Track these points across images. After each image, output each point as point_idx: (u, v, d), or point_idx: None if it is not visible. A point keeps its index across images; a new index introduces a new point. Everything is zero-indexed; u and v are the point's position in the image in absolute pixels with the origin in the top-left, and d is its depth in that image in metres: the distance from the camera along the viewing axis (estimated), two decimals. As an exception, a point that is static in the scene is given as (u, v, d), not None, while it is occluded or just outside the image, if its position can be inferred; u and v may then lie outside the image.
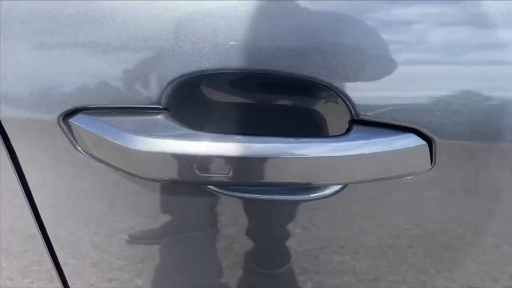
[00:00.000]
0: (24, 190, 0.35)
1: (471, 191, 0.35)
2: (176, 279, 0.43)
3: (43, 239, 0.38)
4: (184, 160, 0.30)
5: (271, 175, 0.31)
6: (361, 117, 0.30)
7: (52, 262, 0.45)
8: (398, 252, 0.38)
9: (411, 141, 0.31)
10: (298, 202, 0.35)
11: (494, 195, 0.36)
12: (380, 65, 0.29)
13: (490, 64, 0.30)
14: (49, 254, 0.40)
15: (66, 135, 0.32)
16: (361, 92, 0.30)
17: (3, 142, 0.33)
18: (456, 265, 0.40)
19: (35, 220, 0.38)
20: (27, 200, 0.36)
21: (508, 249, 0.40)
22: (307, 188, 0.34)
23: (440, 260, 0.40)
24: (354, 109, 0.30)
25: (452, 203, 0.36)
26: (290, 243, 0.38)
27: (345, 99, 0.30)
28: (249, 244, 0.39)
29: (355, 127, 0.31)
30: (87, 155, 0.32)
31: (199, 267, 0.42)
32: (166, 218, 0.38)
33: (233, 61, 0.29)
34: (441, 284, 0.41)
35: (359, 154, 0.31)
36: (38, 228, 0.39)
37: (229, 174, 0.30)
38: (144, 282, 0.43)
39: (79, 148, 0.32)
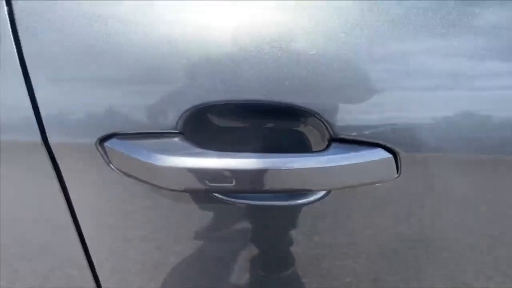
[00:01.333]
0: (67, 202, 0.43)
1: (434, 196, 0.42)
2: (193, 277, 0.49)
3: (80, 241, 0.46)
4: (197, 173, 0.37)
5: (267, 184, 0.38)
6: (339, 136, 0.38)
7: (88, 266, 0.52)
8: (370, 244, 0.45)
9: (379, 154, 0.38)
10: (289, 207, 0.42)
11: (453, 200, 0.42)
12: (354, 93, 0.37)
13: (443, 89, 0.37)
14: (85, 256, 0.48)
15: (102, 156, 0.39)
16: (338, 116, 0.37)
17: (51, 162, 0.41)
18: (417, 258, 0.47)
19: (75, 228, 0.45)
20: (68, 211, 0.44)
21: (463, 248, 0.46)
22: (296, 194, 0.41)
23: (405, 255, 0.46)
24: (333, 130, 0.37)
25: (417, 206, 0.43)
26: (285, 244, 0.45)
27: (325, 123, 0.37)
28: (248, 245, 0.46)
29: (333, 144, 0.38)
30: (120, 172, 0.40)
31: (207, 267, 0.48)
32: (184, 223, 0.45)
33: (236, 94, 0.36)
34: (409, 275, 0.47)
35: (337, 166, 0.38)
36: (77, 235, 0.46)
37: (232, 183, 0.37)
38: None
39: (112, 166, 0.40)
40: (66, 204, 0.43)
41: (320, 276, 0.49)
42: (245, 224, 0.44)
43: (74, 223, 0.45)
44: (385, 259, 0.47)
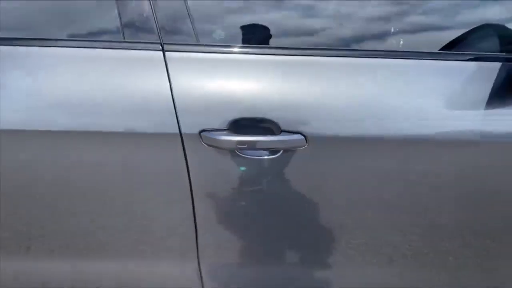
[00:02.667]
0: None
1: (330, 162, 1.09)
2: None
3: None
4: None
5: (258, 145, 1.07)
6: (284, 129, 1.06)
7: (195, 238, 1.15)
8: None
9: (299, 136, 1.06)
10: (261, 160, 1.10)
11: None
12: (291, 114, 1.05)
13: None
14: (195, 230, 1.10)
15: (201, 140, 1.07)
16: (285, 121, 1.06)
17: (183, 150, 1.07)
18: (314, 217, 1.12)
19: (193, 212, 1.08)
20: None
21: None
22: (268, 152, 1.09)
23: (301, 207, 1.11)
24: (280, 126, 1.06)
25: (318, 168, 1.10)
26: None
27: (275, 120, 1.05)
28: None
29: (282, 133, 1.07)
30: (208, 146, 1.07)
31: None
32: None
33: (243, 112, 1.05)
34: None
35: (286, 140, 1.06)
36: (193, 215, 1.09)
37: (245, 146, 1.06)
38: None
39: (204, 144, 1.08)
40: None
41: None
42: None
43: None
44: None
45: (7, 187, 1.07)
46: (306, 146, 1.04)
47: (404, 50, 1.13)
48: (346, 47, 1.12)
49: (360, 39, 1.18)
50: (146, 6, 1.06)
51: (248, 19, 1.13)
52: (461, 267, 1.22)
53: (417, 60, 1.10)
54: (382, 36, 1.19)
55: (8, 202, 1.10)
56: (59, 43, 1.05)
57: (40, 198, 1.10)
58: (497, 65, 1.05)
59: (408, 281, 1.24)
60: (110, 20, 1.06)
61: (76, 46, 1.05)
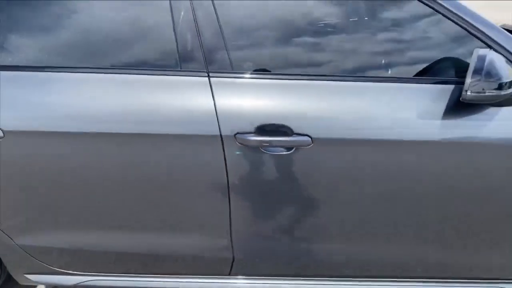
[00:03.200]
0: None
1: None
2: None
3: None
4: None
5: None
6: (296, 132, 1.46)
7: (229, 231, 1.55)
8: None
9: (307, 138, 1.46)
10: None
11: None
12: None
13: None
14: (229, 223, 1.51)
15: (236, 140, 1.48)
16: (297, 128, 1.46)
17: (223, 151, 1.47)
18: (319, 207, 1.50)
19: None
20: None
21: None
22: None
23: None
24: (293, 130, 1.45)
25: (320, 160, 1.49)
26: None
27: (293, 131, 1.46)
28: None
29: (294, 135, 1.46)
30: (241, 145, 1.47)
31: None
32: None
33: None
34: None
35: (298, 140, 1.46)
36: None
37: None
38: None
39: (237, 143, 1.48)
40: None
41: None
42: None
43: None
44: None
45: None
46: (312, 145, 1.44)
47: (388, 76, 1.54)
48: (345, 74, 1.53)
49: (355, 68, 1.59)
50: (196, 44, 1.49)
51: (267, 52, 1.56)
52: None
53: (398, 83, 1.51)
54: (372, 66, 1.61)
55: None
56: (134, 71, 1.50)
57: (116, 189, 1.51)
58: (451, 86, 1.45)
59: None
60: (171, 54, 1.50)
61: (147, 74, 1.49)
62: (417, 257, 1.62)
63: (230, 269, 1.66)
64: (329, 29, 1.61)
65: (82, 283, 1.72)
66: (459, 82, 1.41)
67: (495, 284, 1.67)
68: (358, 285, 1.68)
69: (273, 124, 1.44)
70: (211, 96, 1.45)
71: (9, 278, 1.83)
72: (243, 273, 1.68)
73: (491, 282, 1.68)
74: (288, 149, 1.45)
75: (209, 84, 1.47)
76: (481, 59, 1.32)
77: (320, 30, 1.61)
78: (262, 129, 1.44)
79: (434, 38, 1.57)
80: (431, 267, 1.64)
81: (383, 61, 1.61)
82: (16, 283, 1.80)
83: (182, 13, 1.49)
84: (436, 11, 1.46)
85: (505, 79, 1.32)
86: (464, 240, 1.59)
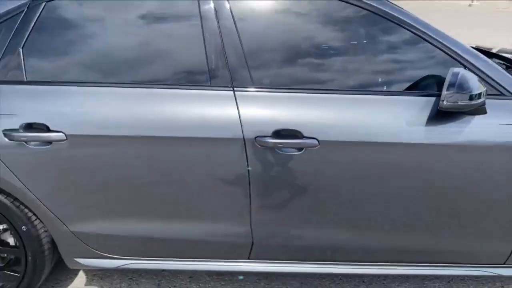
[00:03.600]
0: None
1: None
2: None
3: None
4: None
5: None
6: (305, 135, 1.78)
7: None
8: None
9: (314, 141, 1.78)
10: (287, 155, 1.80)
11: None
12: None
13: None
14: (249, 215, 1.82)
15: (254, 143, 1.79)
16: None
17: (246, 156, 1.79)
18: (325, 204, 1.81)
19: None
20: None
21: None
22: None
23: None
24: (303, 134, 1.77)
25: (325, 159, 1.80)
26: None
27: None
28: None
29: (304, 138, 1.78)
30: (260, 146, 1.79)
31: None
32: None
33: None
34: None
35: (308, 142, 1.78)
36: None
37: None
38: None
39: (257, 145, 1.80)
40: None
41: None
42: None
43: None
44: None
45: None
46: (319, 146, 1.76)
47: (383, 90, 1.87)
48: (346, 89, 1.85)
49: (355, 84, 1.92)
50: (223, 65, 1.82)
51: (281, 71, 1.89)
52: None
53: (390, 96, 1.83)
54: (370, 83, 1.93)
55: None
56: (174, 86, 1.83)
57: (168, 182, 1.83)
58: (433, 98, 1.77)
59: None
60: (203, 73, 1.83)
61: (184, 88, 1.83)
62: (412, 245, 1.92)
63: (249, 253, 1.96)
64: (332, 51, 1.95)
65: (122, 266, 2.02)
66: (440, 95, 1.73)
67: (475, 269, 1.97)
68: (363, 269, 1.98)
69: (287, 129, 1.76)
70: (236, 107, 1.78)
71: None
72: (260, 257, 1.98)
73: (472, 267, 1.97)
74: (299, 149, 1.77)
75: (234, 97, 1.80)
76: (455, 75, 1.65)
77: (324, 52, 1.95)
78: (278, 133, 1.76)
79: (421, 60, 1.90)
80: (423, 254, 1.94)
81: (379, 79, 1.94)
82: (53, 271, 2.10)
83: (212, 39, 1.83)
84: (425, 40, 1.82)
85: (475, 91, 1.64)
86: (449, 229, 1.89)
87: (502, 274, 2.01)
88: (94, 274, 2.37)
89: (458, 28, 10.82)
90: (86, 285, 2.29)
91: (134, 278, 2.32)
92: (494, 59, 2.21)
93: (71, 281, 2.32)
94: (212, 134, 1.78)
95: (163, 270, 2.26)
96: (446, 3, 19.28)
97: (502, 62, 2.41)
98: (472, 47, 2.04)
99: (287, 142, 1.77)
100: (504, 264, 1.99)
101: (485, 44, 3.12)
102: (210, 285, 2.28)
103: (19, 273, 2.04)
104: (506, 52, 2.86)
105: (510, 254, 1.95)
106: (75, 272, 2.38)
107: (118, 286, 2.28)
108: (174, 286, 2.28)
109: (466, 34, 9.32)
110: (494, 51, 2.89)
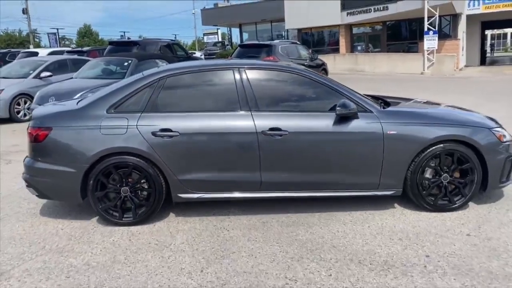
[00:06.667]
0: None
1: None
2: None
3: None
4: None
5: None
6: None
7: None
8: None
9: (286, 132, 4.19)
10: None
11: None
12: None
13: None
14: None
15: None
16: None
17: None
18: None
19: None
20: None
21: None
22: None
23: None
24: (281, 129, 4.18)
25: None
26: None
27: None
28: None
29: (282, 131, 4.19)
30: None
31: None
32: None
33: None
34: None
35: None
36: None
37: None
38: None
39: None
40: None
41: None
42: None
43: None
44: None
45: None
46: (288, 134, 4.16)
47: (317, 110, 4.33)
48: (298, 110, 4.34)
49: (304, 107, 4.38)
50: (245, 99, 4.27)
51: (270, 101, 4.35)
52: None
53: (318, 113, 4.31)
54: (310, 107, 4.41)
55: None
56: (222, 111, 4.28)
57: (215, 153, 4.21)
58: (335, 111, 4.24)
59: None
60: (235, 103, 4.28)
61: (227, 111, 4.27)
62: (330, 180, 4.29)
63: (259, 186, 4.29)
64: (294, 96, 4.44)
65: (201, 197, 4.32)
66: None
67: (364, 192, 4.32)
68: (316, 193, 4.32)
69: (274, 127, 4.16)
70: (252, 120, 4.20)
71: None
72: (265, 189, 4.30)
73: (362, 191, 4.34)
74: (280, 136, 4.17)
75: (251, 115, 4.23)
76: (342, 102, 4.13)
77: (290, 95, 4.43)
78: (272, 129, 4.16)
79: (331, 98, 4.36)
80: (338, 185, 4.31)
81: (315, 106, 4.40)
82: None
83: (239, 89, 4.29)
84: (333, 89, 4.35)
85: (351, 107, 4.11)
86: (347, 172, 4.27)
87: (377, 194, 4.36)
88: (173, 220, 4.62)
89: (412, 90, 13.68)
90: (167, 221, 4.54)
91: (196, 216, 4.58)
92: (382, 100, 4.72)
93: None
94: (242, 130, 4.18)
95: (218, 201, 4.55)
96: (404, 73, 22.70)
97: (384, 101, 4.90)
98: (368, 95, 4.52)
99: (275, 132, 4.16)
100: (377, 189, 4.34)
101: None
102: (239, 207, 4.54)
103: (148, 204, 4.30)
104: (417, 102, 5.40)
105: (379, 183, 4.31)
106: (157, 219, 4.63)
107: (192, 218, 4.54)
108: (228, 211, 4.54)
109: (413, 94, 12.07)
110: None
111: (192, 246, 3.80)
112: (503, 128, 4.54)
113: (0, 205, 4.98)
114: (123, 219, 4.25)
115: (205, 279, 3.23)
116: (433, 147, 4.20)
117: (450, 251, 3.55)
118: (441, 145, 4.20)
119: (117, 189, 4.20)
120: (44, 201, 4.86)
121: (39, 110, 4.59)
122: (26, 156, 4.40)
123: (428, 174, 4.32)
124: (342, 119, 4.18)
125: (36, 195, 4.37)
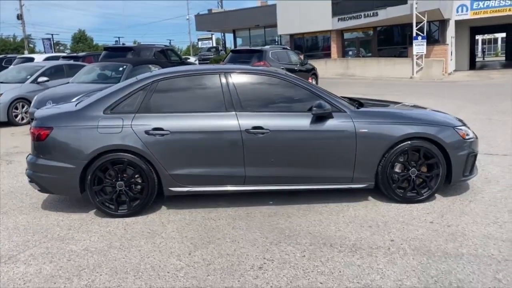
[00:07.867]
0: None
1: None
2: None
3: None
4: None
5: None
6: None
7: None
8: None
9: (268, 130, 4.61)
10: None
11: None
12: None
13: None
14: None
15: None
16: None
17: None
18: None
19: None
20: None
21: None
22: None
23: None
24: (264, 127, 4.60)
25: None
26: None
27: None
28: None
29: (264, 129, 4.60)
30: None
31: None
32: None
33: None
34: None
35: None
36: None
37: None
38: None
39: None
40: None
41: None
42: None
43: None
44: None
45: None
46: (270, 132, 4.57)
47: (296, 111, 4.75)
48: (280, 110, 4.75)
49: (284, 108, 4.80)
50: (230, 100, 4.67)
51: (254, 102, 4.75)
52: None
53: (297, 113, 4.72)
54: (291, 108, 4.82)
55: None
56: (209, 112, 4.68)
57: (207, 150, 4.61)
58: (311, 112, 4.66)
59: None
60: (221, 104, 4.68)
61: (212, 112, 4.67)
62: (308, 175, 4.70)
63: (244, 180, 4.69)
64: (278, 97, 4.85)
65: (191, 190, 4.71)
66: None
67: (339, 184, 4.74)
68: (295, 186, 4.72)
69: (257, 126, 4.56)
70: (237, 119, 4.60)
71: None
72: (249, 183, 4.70)
73: (338, 184, 4.75)
74: (262, 134, 4.58)
75: (235, 116, 4.63)
76: (313, 102, 4.55)
77: (274, 96, 4.84)
78: (254, 127, 4.56)
79: (309, 99, 4.78)
80: (314, 178, 4.72)
81: (294, 107, 4.82)
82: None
83: (223, 88, 4.69)
84: (311, 92, 4.77)
85: (326, 107, 4.53)
86: (323, 166, 4.69)
87: (351, 186, 4.78)
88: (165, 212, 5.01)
89: (400, 93, 14.14)
90: (168, 212, 4.93)
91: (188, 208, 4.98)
92: (357, 101, 5.15)
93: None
94: (227, 129, 4.58)
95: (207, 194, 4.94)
96: (394, 77, 23.20)
97: (359, 102, 5.32)
98: (350, 98, 4.94)
99: (257, 131, 4.57)
100: (351, 182, 4.76)
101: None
102: (226, 200, 4.95)
103: (141, 198, 4.69)
104: (405, 105, 5.82)
105: (352, 177, 4.72)
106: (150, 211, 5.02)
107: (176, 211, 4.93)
108: (216, 203, 4.93)
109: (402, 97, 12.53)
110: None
111: (181, 233, 4.19)
112: (467, 126, 4.97)
113: (4, 200, 5.35)
114: (119, 211, 4.63)
115: (192, 260, 3.62)
116: (401, 144, 4.62)
117: (413, 236, 3.96)
118: (409, 142, 4.61)
119: (113, 183, 4.57)
120: (45, 196, 5.24)
121: (41, 112, 4.99)
122: (29, 154, 4.77)
123: (397, 168, 4.73)
124: (318, 118, 4.58)
125: (38, 190, 4.74)
